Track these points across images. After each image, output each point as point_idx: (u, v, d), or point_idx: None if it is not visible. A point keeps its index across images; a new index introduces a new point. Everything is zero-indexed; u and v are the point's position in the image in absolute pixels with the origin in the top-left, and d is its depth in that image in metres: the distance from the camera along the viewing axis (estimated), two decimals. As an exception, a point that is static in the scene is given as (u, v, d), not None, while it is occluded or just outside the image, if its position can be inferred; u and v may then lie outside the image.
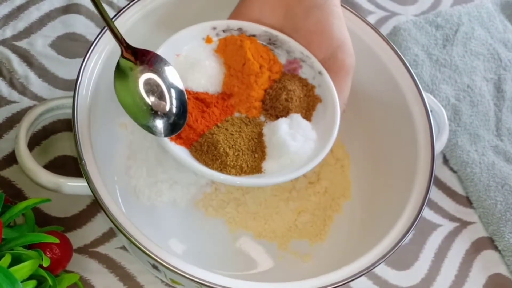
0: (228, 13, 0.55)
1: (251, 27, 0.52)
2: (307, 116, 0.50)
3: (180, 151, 0.46)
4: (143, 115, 0.44)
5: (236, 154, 0.46)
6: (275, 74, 0.51)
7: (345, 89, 0.51)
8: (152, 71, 0.46)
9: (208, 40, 0.51)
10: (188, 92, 0.48)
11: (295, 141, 0.47)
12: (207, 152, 0.46)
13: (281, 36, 0.52)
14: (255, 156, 0.47)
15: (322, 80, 0.50)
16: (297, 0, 0.51)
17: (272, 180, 0.46)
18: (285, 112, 0.49)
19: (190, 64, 0.49)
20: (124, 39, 0.46)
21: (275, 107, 0.49)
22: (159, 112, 0.45)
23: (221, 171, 0.45)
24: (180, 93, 0.46)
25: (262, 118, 0.50)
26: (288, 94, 0.49)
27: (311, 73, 0.51)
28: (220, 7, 0.57)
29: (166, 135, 0.45)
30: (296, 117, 0.49)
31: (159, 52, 0.48)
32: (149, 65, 0.46)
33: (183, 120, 0.46)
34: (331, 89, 0.50)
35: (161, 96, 0.45)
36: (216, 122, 0.48)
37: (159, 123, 0.45)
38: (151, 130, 0.44)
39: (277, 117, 0.49)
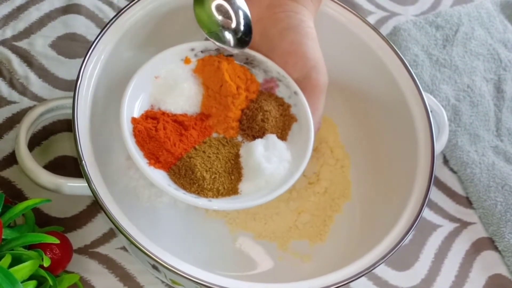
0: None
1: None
2: (283, 135, 0.51)
3: (158, 176, 0.46)
4: (214, 27, 0.51)
5: (213, 177, 0.47)
6: (252, 94, 0.52)
7: (320, 107, 0.52)
8: None
9: (187, 61, 0.52)
10: (167, 114, 0.49)
11: (270, 164, 0.48)
12: (184, 176, 0.47)
13: (258, 56, 0.52)
14: (231, 178, 0.48)
15: (298, 100, 0.51)
16: (272, 21, 0.52)
17: (247, 204, 0.47)
18: (261, 132, 0.50)
19: (169, 87, 0.50)
20: None
21: (251, 128, 0.50)
22: (227, 27, 0.51)
23: (198, 194, 0.47)
24: (245, 15, 0.51)
25: (240, 138, 0.51)
26: (264, 115, 0.50)
27: (287, 92, 0.52)
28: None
29: (234, 46, 0.51)
30: (272, 138, 0.50)
31: (137, 74, 0.49)
32: None
33: (249, 38, 0.51)
34: (306, 109, 0.50)
35: (228, 17, 0.51)
36: (194, 144, 0.49)
37: (228, 35, 0.51)
38: (220, 39, 0.51)
39: (254, 137, 0.50)
